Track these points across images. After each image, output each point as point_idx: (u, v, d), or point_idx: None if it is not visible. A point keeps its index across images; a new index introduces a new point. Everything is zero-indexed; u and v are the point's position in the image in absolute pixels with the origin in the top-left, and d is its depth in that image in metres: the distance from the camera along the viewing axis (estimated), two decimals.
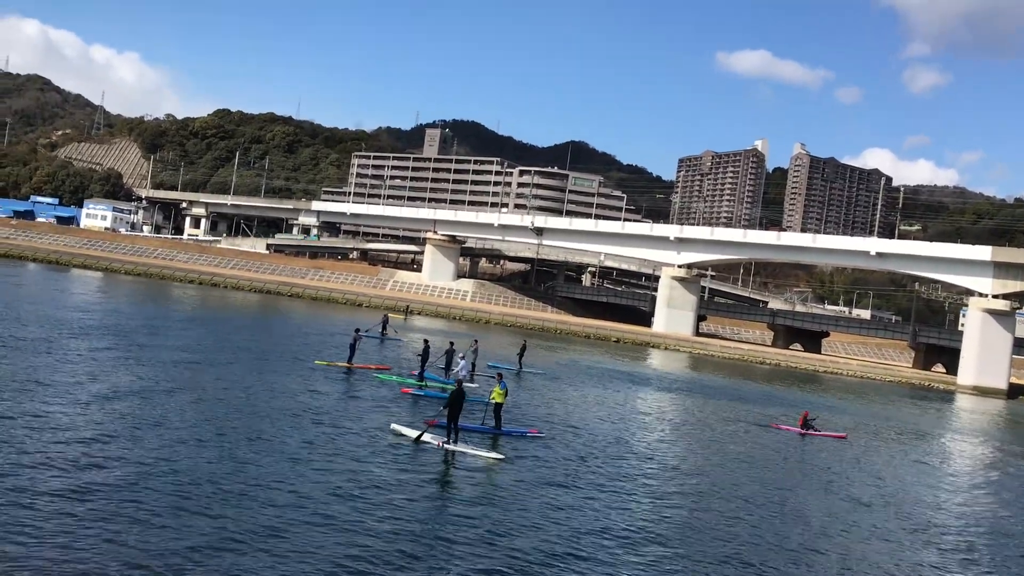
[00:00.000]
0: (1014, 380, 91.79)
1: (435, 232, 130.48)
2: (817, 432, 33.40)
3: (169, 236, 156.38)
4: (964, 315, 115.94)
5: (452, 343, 33.57)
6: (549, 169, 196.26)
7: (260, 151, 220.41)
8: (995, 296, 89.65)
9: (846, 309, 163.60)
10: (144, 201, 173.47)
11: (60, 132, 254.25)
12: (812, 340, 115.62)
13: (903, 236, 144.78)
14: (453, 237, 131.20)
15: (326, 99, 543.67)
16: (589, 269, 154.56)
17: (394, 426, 21.67)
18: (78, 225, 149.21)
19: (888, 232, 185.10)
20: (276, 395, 24.59)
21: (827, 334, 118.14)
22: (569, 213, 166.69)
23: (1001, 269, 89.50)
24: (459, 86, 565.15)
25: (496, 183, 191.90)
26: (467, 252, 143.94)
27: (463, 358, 29.25)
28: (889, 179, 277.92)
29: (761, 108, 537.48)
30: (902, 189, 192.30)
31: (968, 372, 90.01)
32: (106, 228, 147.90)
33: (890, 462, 29.66)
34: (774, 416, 38.32)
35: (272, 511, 13.38)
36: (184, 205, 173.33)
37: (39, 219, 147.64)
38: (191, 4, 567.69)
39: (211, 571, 10.65)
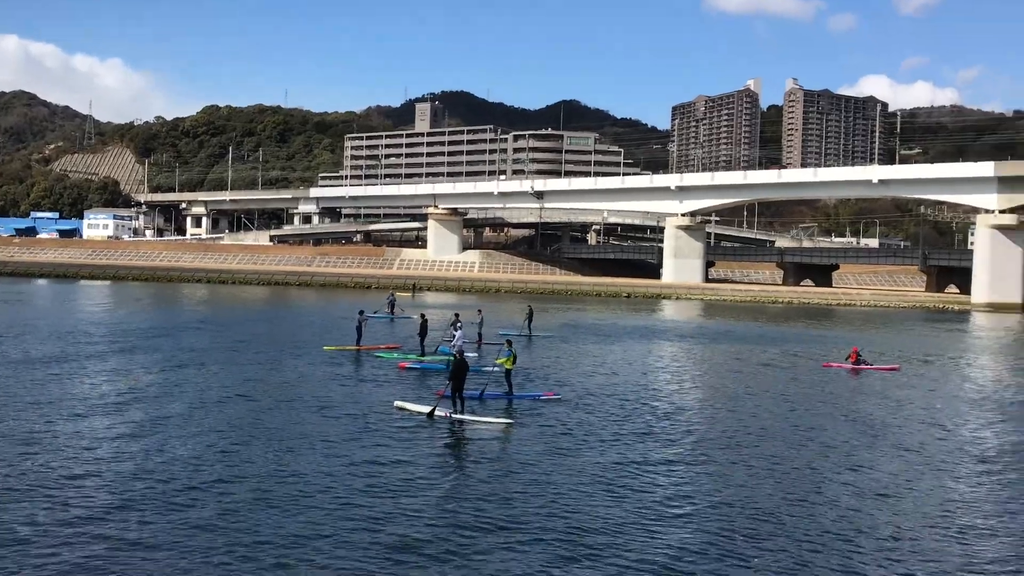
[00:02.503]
0: None
1: (436, 207, 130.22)
2: (870, 366, 33.34)
3: (172, 238, 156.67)
4: (972, 234, 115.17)
5: (457, 314, 33.53)
6: (543, 131, 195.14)
7: (253, 144, 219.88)
8: (1002, 211, 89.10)
9: (854, 240, 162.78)
10: (144, 206, 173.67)
11: (52, 146, 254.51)
12: (822, 274, 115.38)
13: (904, 161, 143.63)
14: (454, 210, 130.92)
15: (313, 84, 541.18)
16: (593, 228, 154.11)
17: (398, 403, 21.66)
18: (81, 236, 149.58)
19: (889, 158, 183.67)
20: (285, 385, 24.61)
21: (837, 267, 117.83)
22: (567, 174, 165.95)
23: (1005, 183, 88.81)
24: (445, 57, 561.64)
25: (492, 151, 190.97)
26: (470, 223, 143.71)
27: (459, 328, 29.22)
28: (885, 105, 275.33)
29: (753, 46, 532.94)
30: (899, 113, 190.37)
31: (981, 290, 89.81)
32: (109, 236, 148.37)
33: (950, 389, 29.41)
34: (820, 355, 38.26)
35: (290, 500, 13.38)
36: (183, 205, 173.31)
37: (41, 235, 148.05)
38: (167, 4, 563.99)
39: (239, 559, 10.67)
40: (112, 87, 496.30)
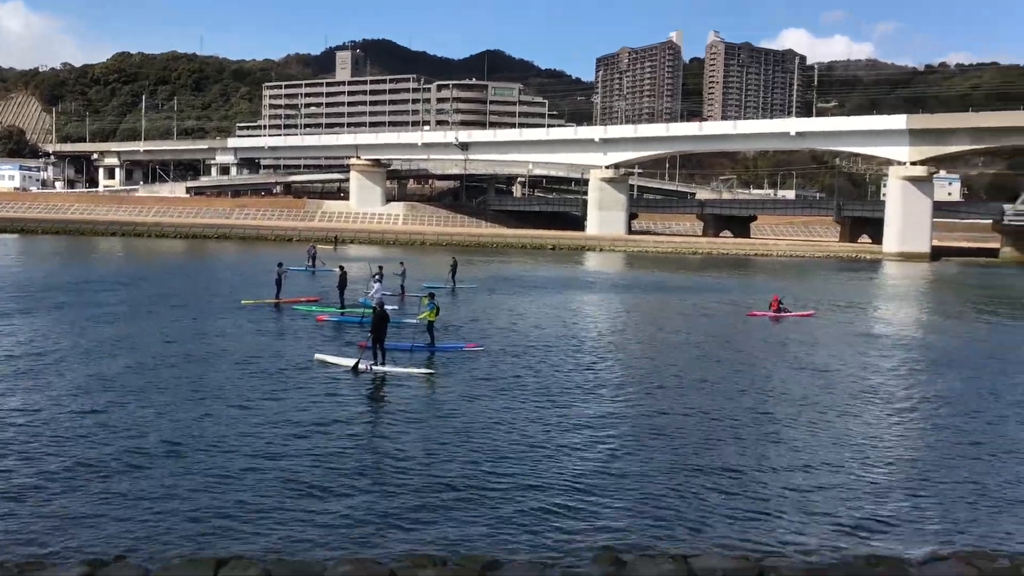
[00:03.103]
0: (935, 243, 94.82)
1: (358, 158, 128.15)
2: (789, 313, 34.72)
3: (84, 190, 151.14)
4: (885, 185, 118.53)
5: (380, 267, 33.29)
6: (467, 82, 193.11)
7: (167, 92, 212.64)
8: (913, 163, 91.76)
9: (772, 192, 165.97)
10: (52, 156, 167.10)
11: None
12: (741, 225, 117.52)
13: (821, 113, 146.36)
14: (377, 161, 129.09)
15: (229, 31, 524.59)
16: (519, 180, 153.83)
17: (318, 356, 21.53)
18: None
19: (806, 111, 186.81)
20: (202, 340, 24.16)
21: (755, 218, 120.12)
22: (492, 125, 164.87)
23: (917, 136, 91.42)
24: (365, 4, 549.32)
25: (415, 101, 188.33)
26: (393, 175, 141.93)
27: (378, 280, 29.11)
28: (803, 58, 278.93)
29: None
30: (816, 67, 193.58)
31: (892, 240, 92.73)
32: (15, 188, 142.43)
33: (860, 333, 30.41)
34: (744, 304, 39.17)
35: (207, 460, 13.21)
36: (95, 156, 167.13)
37: None
38: None
39: (155, 523, 10.52)
40: (14, 31, 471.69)
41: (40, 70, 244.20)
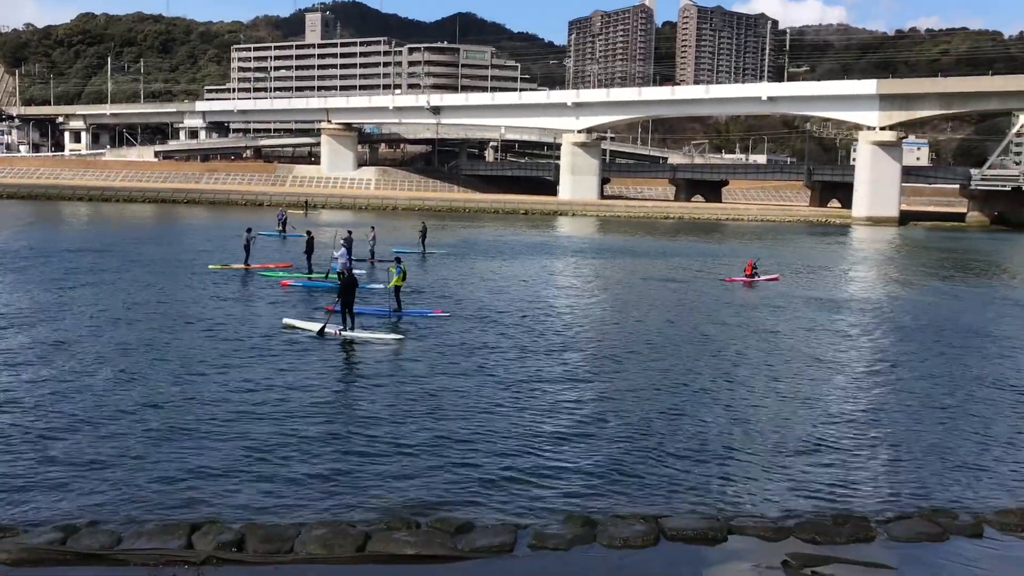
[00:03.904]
0: (904, 207, 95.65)
1: (329, 121, 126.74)
2: (760, 278, 35.38)
3: (50, 154, 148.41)
4: (854, 150, 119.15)
5: (350, 231, 33.14)
6: (439, 45, 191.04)
7: (133, 54, 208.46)
8: (882, 128, 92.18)
9: (743, 156, 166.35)
10: (16, 120, 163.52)
11: None
12: (712, 190, 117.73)
13: (792, 78, 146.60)
14: (349, 125, 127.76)
15: None
16: (491, 144, 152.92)
17: (286, 320, 21.47)
18: None
19: (778, 76, 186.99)
20: (169, 306, 23.95)
21: (726, 183, 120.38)
22: (464, 88, 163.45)
23: (886, 101, 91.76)
24: None
25: (386, 64, 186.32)
26: (365, 139, 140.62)
27: (344, 244, 29.03)
28: (776, 22, 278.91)
29: None
30: (788, 31, 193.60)
31: (861, 204, 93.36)
32: None
33: (824, 296, 30.74)
34: (719, 269, 39.52)
35: (173, 427, 13.14)
36: (60, 119, 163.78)
37: None
38: None
39: (120, 491, 10.46)
40: None
41: (1, 31, 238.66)
